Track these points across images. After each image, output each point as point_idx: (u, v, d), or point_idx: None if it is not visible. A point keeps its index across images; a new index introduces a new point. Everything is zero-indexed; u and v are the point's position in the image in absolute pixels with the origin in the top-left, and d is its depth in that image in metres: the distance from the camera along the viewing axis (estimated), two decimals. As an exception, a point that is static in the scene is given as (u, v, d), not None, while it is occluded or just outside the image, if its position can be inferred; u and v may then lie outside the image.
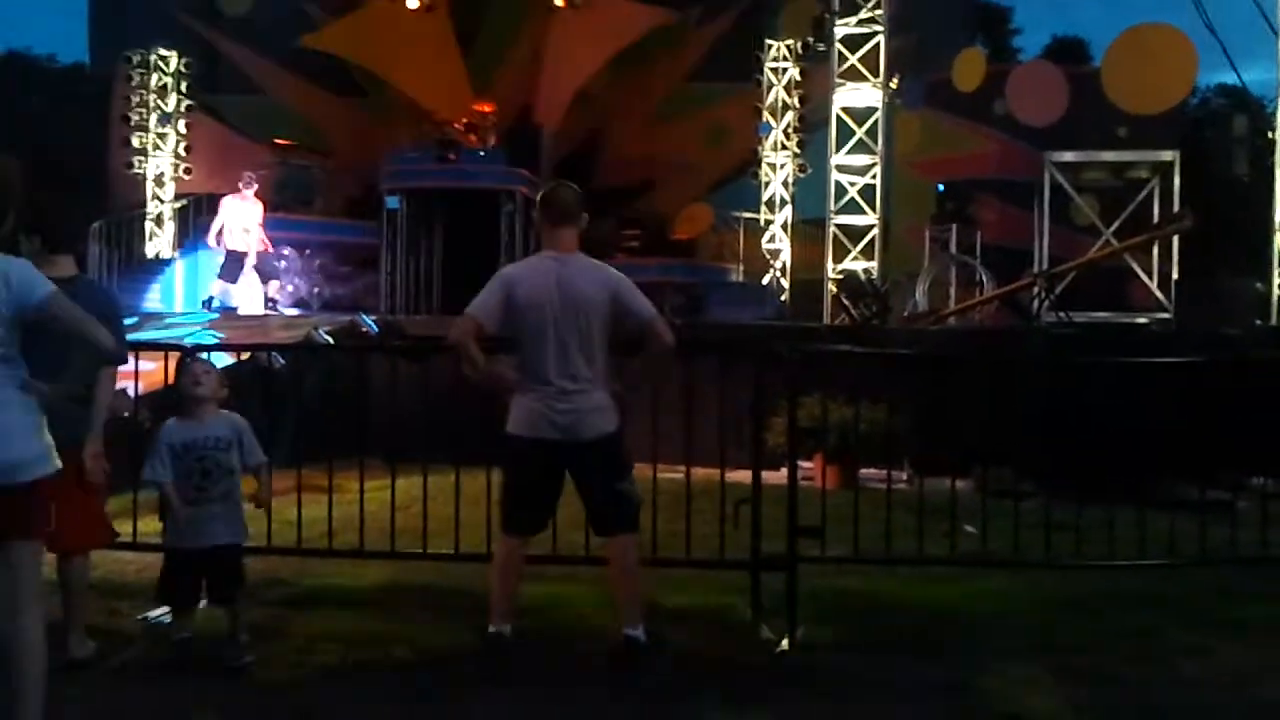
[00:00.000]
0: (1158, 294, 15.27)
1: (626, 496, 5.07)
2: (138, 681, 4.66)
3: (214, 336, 12.22)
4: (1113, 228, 15.64)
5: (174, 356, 6.08)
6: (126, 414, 7.18)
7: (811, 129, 19.91)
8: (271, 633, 5.39)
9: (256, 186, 15.87)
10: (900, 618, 5.82)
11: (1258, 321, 14.20)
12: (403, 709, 4.39)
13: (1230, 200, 21.58)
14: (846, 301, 14.81)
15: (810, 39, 19.75)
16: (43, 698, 3.58)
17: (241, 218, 15.60)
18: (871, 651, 5.26)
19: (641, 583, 5.10)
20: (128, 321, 12.67)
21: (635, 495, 5.12)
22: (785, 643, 5.26)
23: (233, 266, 15.41)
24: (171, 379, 6.07)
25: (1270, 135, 16.05)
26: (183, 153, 20.26)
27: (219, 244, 15.66)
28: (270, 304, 15.69)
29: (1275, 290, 14.85)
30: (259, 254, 15.67)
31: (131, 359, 6.25)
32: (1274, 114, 15.61)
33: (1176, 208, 15.37)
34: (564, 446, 4.93)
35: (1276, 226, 14.88)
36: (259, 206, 15.88)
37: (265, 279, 15.78)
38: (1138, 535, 6.00)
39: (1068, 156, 16.00)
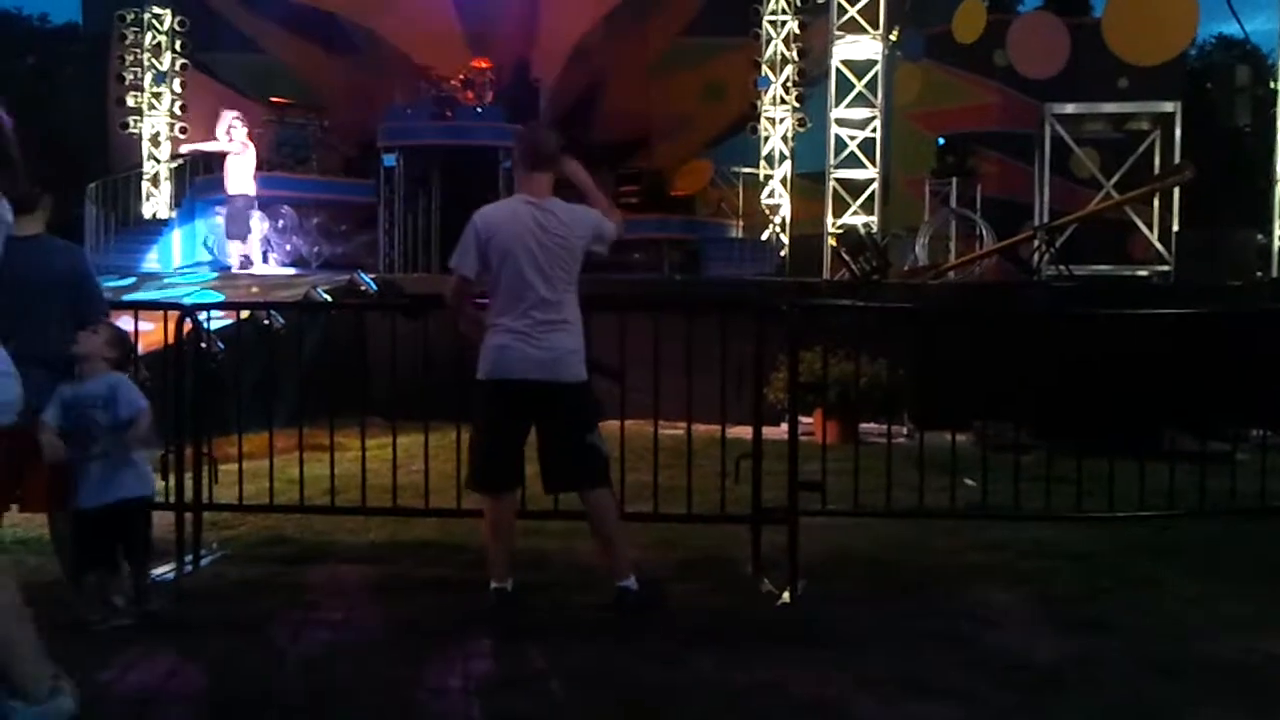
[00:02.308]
0: (1158, 246, 15.24)
1: (596, 449, 5.01)
2: (136, 638, 4.68)
3: (213, 296, 12.20)
4: (1113, 180, 15.59)
5: (173, 316, 6.08)
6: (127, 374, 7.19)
7: (811, 82, 19.81)
8: (276, 588, 5.43)
9: (245, 132, 15.52)
10: (900, 570, 5.84)
11: (1259, 274, 14.17)
12: (407, 663, 4.41)
13: (1231, 152, 21.50)
14: (846, 256, 14.76)
15: (809, -9, 19.63)
16: None
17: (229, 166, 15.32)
18: (872, 604, 5.28)
19: (625, 533, 5.13)
20: (125, 282, 12.77)
21: (604, 448, 5.07)
22: (786, 595, 5.29)
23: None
24: (171, 338, 6.09)
25: (1272, 85, 15.96)
26: (178, 111, 20.17)
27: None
28: (243, 261, 15.29)
29: (1276, 242, 14.82)
30: (228, 212, 15.24)
31: (130, 319, 6.26)
32: (1275, 64, 15.50)
33: (1177, 159, 15.31)
34: (539, 389, 4.86)
35: (1277, 178, 14.82)
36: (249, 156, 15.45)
37: (231, 238, 15.24)
38: (1138, 487, 6.02)
39: (1068, 108, 15.91)
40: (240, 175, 15.32)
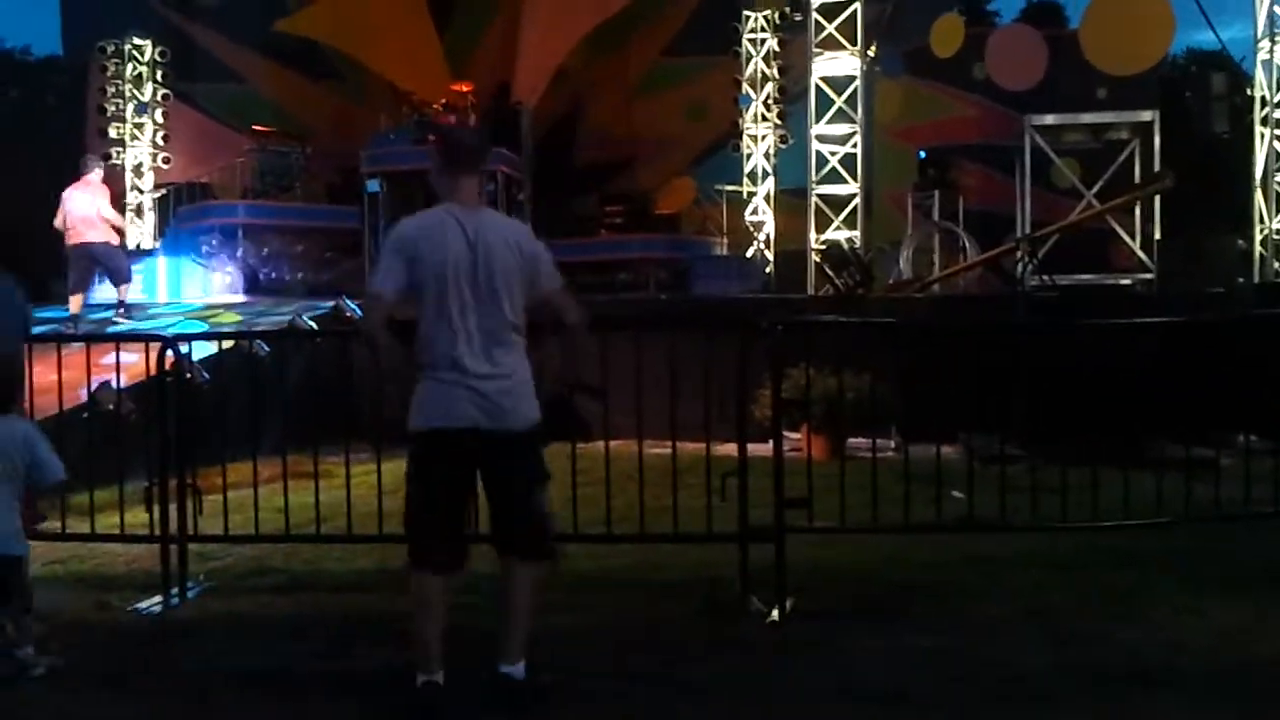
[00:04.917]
0: (1140, 255, 15.29)
1: (546, 508, 4.37)
2: (114, 679, 4.66)
3: (199, 325, 12.18)
4: (1094, 190, 15.64)
5: (154, 347, 6.06)
6: (111, 406, 7.17)
7: (792, 99, 19.87)
8: (262, 620, 5.40)
9: (102, 171, 13.23)
10: (889, 585, 5.84)
11: (1240, 279, 14.22)
12: (394, 690, 4.39)
13: (1210, 159, 21.61)
14: (830, 271, 14.79)
15: (787, 9, 19.71)
16: None
17: (82, 208, 12.52)
18: (862, 619, 5.28)
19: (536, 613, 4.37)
20: (108, 314, 12.72)
21: (549, 510, 4.42)
22: (775, 613, 5.28)
23: (79, 264, 12.58)
24: (154, 370, 6.07)
25: (1248, 92, 16.06)
26: (161, 142, 20.15)
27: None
28: (119, 308, 12.87)
29: (1257, 248, 14.89)
30: (106, 248, 12.67)
31: (113, 351, 6.26)
32: (1251, 71, 15.60)
33: (1157, 168, 15.37)
34: (486, 439, 4.15)
35: (1256, 184, 14.90)
36: (105, 193, 12.92)
37: (116, 280, 12.96)
38: (1123, 496, 6.03)
39: (1048, 119, 15.97)
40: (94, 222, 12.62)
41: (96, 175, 12.86)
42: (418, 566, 4.23)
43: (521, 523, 4.27)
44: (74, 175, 12.76)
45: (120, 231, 13.40)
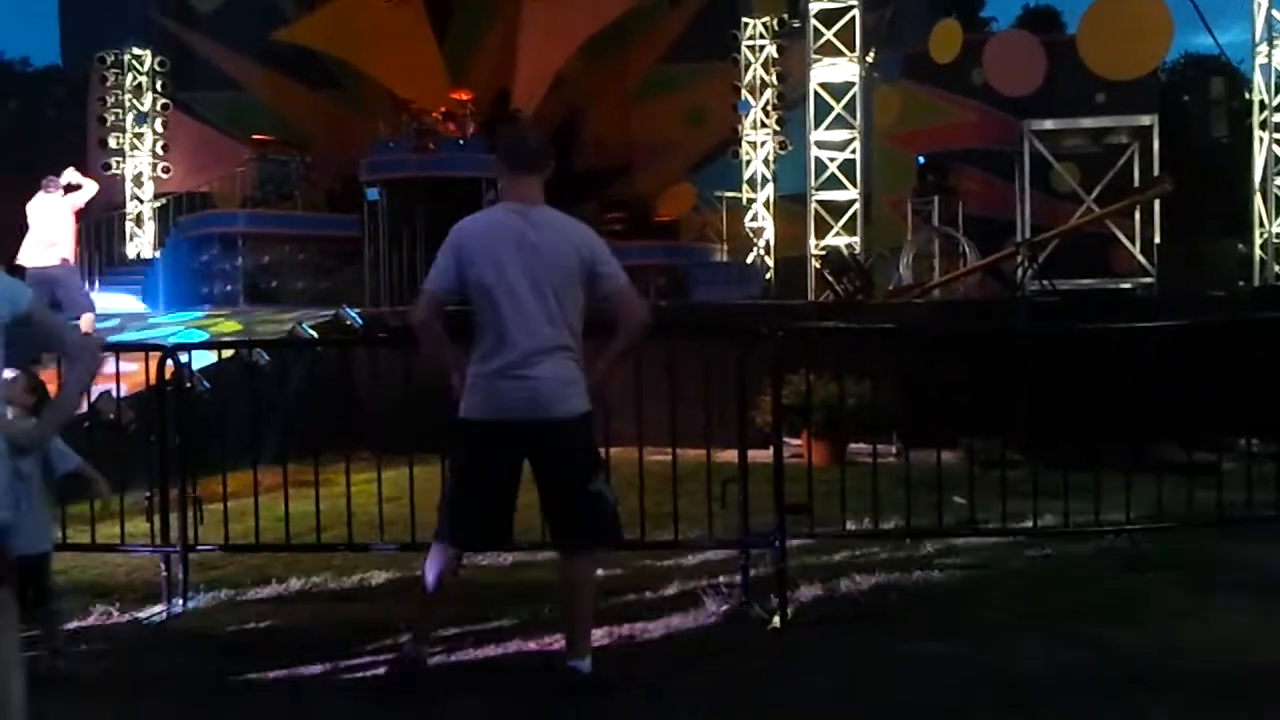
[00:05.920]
0: (1140, 259, 15.30)
1: (602, 499, 4.37)
2: (116, 689, 4.65)
3: (200, 335, 12.19)
4: (1094, 194, 15.65)
5: (154, 357, 6.06)
6: (111, 415, 7.19)
7: (791, 105, 19.92)
8: (264, 631, 5.39)
9: (61, 188, 12.30)
10: (890, 590, 5.83)
11: (1241, 283, 14.23)
12: (398, 703, 4.38)
13: (1210, 163, 21.63)
14: (830, 277, 14.80)
15: (785, 15, 19.74)
16: None
17: (44, 225, 11.85)
18: (863, 625, 5.27)
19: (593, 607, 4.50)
20: (109, 323, 12.74)
21: (610, 497, 4.43)
22: (777, 620, 5.26)
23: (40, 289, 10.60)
24: (154, 379, 6.08)
25: (1246, 96, 16.08)
26: (161, 151, 20.18)
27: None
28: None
29: (1257, 251, 14.90)
30: (50, 271, 11.58)
31: (113, 360, 6.27)
32: (1250, 75, 15.62)
33: (1156, 172, 15.38)
34: (529, 428, 4.23)
35: (1256, 187, 14.91)
36: (66, 206, 12.17)
37: (74, 309, 11.63)
38: (1124, 500, 6.02)
39: (1047, 124, 15.99)
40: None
41: (55, 191, 12.11)
42: (442, 539, 4.37)
43: (575, 511, 4.34)
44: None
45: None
